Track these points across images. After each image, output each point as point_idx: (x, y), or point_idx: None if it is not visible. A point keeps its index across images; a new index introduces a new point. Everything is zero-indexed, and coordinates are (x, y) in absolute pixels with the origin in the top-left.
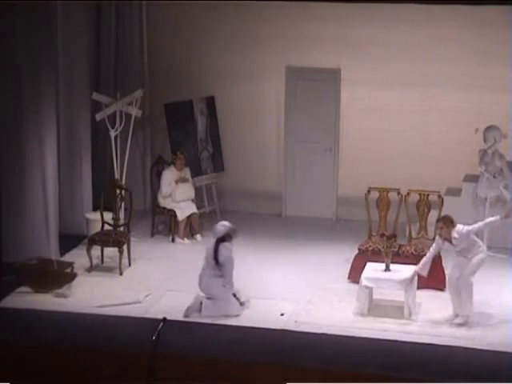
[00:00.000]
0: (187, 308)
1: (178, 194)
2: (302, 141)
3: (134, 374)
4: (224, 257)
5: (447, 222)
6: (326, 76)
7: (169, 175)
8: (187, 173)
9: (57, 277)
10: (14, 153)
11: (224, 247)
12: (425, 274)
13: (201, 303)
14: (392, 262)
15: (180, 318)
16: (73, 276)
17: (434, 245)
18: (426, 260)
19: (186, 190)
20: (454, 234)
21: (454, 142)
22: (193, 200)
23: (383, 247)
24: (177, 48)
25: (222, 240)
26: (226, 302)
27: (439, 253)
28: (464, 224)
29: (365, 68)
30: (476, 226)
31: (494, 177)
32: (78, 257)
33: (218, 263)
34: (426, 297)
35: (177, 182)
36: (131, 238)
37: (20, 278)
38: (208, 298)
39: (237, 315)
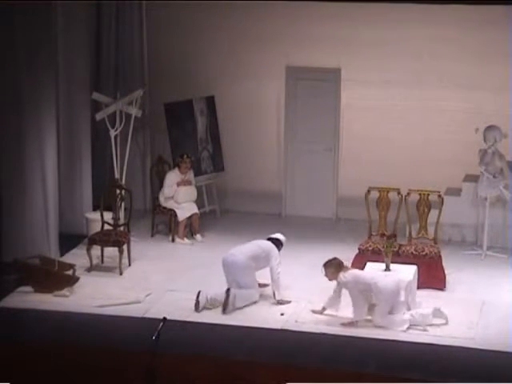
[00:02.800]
0: (211, 300)
1: (180, 196)
2: (302, 140)
3: (133, 374)
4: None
5: (337, 267)
6: (326, 76)
7: (173, 177)
8: (191, 176)
9: (59, 278)
10: (14, 152)
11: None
12: (334, 311)
13: (228, 295)
14: (392, 262)
15: (180, 317)
16: (75, 279)
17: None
18: (333, 296)
19: (189, 193)
20: (341, 277)
21: (455, 141)
22: (194, 201)
23: (383, 247)
24: (177, 48)
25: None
26: (256, 289)
27: (439, 252)
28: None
29: (365, 68)
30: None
31: (495, 177)
32: (78, 257)
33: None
34: (425, 297)
35: (179, 184)
36: (131, 237)
37: (21, 277)
38: (239, 288)
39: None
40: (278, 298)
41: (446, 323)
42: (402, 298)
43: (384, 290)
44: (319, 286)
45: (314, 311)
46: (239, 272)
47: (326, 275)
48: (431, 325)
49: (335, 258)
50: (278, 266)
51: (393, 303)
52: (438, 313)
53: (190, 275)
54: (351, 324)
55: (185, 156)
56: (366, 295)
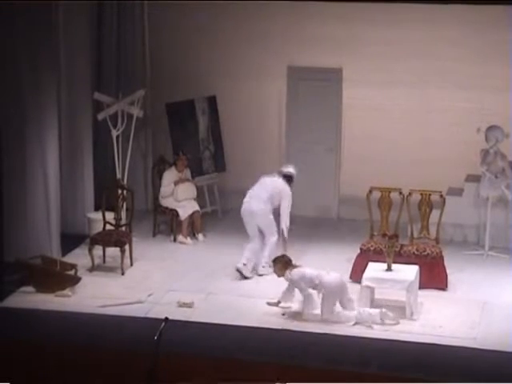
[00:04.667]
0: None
1: (179, 194)
2: (303, 140)
3: (135, 374)
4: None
5: (284, 264)
6: (327, 76)
7: (169, 176)
8: (188, 174)
9: (61, 279)
10: (15, 153)
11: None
12: (288, 304)
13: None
14: (394, 262)
15: (182, 317)
16: (77, 280)
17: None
18: (286, 290)
19: (188, 189)
20: (287, 275)
21: (456, 141)
22: (195, 199)
23: (385, 247)
24: (178, 48)
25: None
26: (275, 231)
27: (441, 252)
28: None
29: (366, 68)
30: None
31: (496, 177)
32: (79, 257)
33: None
34: (427, 296)
35: (176, 183)
36: (133, 237)
37: (23, 277)
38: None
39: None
40: (285, 251)
41: (397, 323)
42: (349, 295)
43: (328, 285)
44: None
45: (269, 303)
46: (258, 218)
47: (274, 271)
48: (380, 324)
49: (284, 256)
50: (288, 208)
51: (340, 299)
52: (385, 315)
53: (191, 275)
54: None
55: (180, 153)
56: (316, 290)
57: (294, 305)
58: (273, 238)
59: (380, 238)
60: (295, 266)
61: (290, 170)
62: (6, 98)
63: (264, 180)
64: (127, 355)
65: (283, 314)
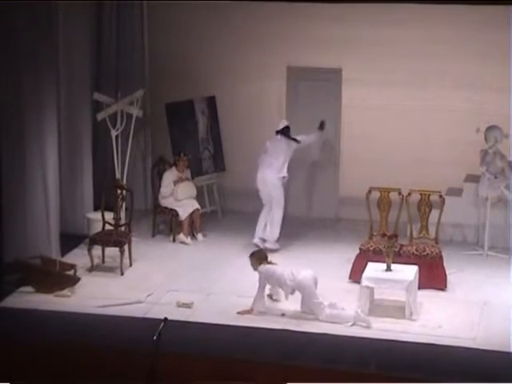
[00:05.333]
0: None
1: (179, 193)
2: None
3: (135, 374)
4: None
5: (258, 259)
6: (327, 76)
7: (169, 176)
8: (188, 174)
9: (60, 279)
10: (15, 153)
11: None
12: (261, 309)
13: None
14: (393, 262)
15: (181, 317)
16: (76, 280)
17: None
18: (257, 296)
19: (188, 188)
20: (259, 269)
21: (456, 141)
22: (194, 198)
23: (384, 247)
24: (178, 48)
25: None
26: (282, 202)
27: (440, 252)
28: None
29: (366, 68)
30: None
31: (496, 177)
32: (79, 257)
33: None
34: (426, 297)
35: (175, 182)
36: (132, 237)
37: (22, 277)
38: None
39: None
40: None
41: (368, 327)
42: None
43: (305, 283)
44: (320, 287)
45: (239, 312)
46: (270, 186)
47: (251, 265)
48: (351, 325)
49: (261, 250)
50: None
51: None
52: (359, 317)
53: (191, 275)
54: (247, 312)
55: (182, 154)
56: (283, 289)
57: (291, 304)
58: (279, 213)
59: (379, 238)
60: (270, 263)
61: (284, 123)
62: (5, 98)
63: (269, 147)
64: (126, 355)
65: (283, 314)
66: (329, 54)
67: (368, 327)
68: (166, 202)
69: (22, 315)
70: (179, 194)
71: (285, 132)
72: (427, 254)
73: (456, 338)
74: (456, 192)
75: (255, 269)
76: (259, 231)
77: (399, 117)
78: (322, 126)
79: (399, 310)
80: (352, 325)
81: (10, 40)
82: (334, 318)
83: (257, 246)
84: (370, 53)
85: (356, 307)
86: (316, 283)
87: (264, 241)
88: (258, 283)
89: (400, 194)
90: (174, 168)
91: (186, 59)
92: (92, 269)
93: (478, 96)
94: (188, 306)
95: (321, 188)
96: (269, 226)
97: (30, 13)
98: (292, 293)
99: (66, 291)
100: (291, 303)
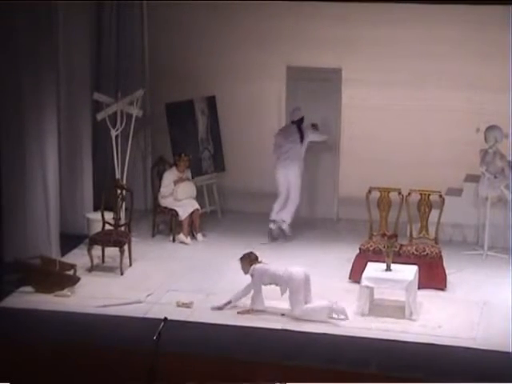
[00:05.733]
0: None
1: (179, 193)
2: None
3: (134, 374)
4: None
5: (249, 261)
6: (327, 76)
7: (170, 176)
8: (188, 174)
9: (60, 279)
10: (15, 153)
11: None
12: (260, 308)
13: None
14: (393, 262)
15: (181, 317)
16: (76, 279)
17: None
18: (254, 296)
19: (187, 188)
20: (251, 270)
21: (455, 141)
22: (194, 198)
23: (384, 247)
24: (178, 47)
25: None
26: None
27: (440, 252)
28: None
29: (366, 68)
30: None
31: (495, 177)
32: (78, 257)
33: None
34: (426, 297)
35: (175, 182)
36: (132, 237)
37: (22, 277)
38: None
39: None
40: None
41: (345, 319)
42: (311, 291)
43: (295, 280)
44: (320, 287)
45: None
46: (292, 175)
47: (242, 269)
48: (326, 320)
49: (251, 253)
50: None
51: (304, 293)
52: (335, 309)
53: (190, 275)
54: (247, 311)
55: (182, 154)
56: (279, 286)
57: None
58: (296, 201)
59: (379, 238)
60: (260, 263)
61: (299, 113)
62: (5, 99)
63: (282, 137)
64: (126, 355)
65: (283, 315)
66: (329, 54)
67: (345, 319)
68: (166, 201)
69: (21, 315)
70: (179, 194)
71: (299, 123)
72: (427, 253)
73: (456, 337)
74: (456, 192)
75: (246, 272)
76: (273, 215)
77: (399, 117)
78: (314, 127)
79: (399, 310)
80: (328, 317)
81: (10, 40)
82: (308, 313)
83: (272, 231)
84: (370, 53)
85: (356, 307)
86: (308, 281)
87: (279, 225)
88: (252, 285)
89: (400, 193)
90: (174, 168)
91: (186, 59)
92: (92, 269)
93: (477, 96)
94: (188, 305)
95: (320, 188)
96: (285, 209)
97: (29, 13)
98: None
99: (65, 291)
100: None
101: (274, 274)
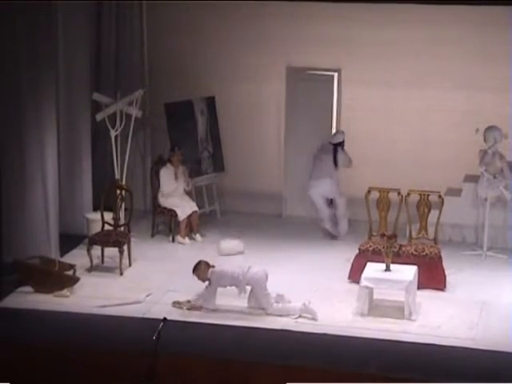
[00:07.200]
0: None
1: (179, 189)
2: (302, 141)
3: (134, 374)
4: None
5: (205, 268)
6: (327, 76)
7: (167, 172)
8: (184, 169)
9: (59, 279)
10: (14, 153)
11: (343, 153)
12: (211, 307)
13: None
14: (392, 262)
15: (180, 318)
16: (75, 280)
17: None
18: (207, 297)
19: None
20: (209, 274)
21: (455, 142)
22: (193, 199)
23: (383, 247)
24: (177, 48)
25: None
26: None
27: (439, 253)
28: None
29: (365, 68)
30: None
31: (495, 177)
32: (78, 257)
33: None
34: (426, 297)
35: (176, 177)
36: (131, 238)
37: (21, 277)
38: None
39: None
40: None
41: (315, 319)
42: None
43: (256, 279)
44: (319, 287)
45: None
46: (327, 190)
47: (199, 278)
48: (296, 318)
49: (200, 261)
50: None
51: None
52: (306, 309)
53: (190, 276)
54: (196, 308)
55: (176, 148)
56: (237, 287)
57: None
58: (342, 199)
59: (378, 238)
60: (214, 267)
61: (339, 137)
62: (4, 99)
63: (321, 154)
64: (126, 355)
65: (282, 315)
66: (328, 55)
67: (314, 319)
68: (166, 201)
69: (21, 315)
70: (179, 190)
71: (341, 145)
72: (426, 254)
73: (455, 338)
74: (455, 192)
75: (204, 279)
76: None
77: (398, 117)
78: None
79: (398, 311)
80: (298, 317)
81: (9, 40)
82: (280, 311)
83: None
84: (370, 53)
85: (355, 308)
86: (267, 278)
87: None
88: (209, 287)
89: (399, 194)
90: (168, 164)
91: (186, 59)
92: (91, 269)
93: (477, 96)
94: (187, 305)
95: None
96: (339, 210)
97: (30, 13)
98: (245, 290)
99: (65, 291)
100: (244, 301)
101: (232, 276)
